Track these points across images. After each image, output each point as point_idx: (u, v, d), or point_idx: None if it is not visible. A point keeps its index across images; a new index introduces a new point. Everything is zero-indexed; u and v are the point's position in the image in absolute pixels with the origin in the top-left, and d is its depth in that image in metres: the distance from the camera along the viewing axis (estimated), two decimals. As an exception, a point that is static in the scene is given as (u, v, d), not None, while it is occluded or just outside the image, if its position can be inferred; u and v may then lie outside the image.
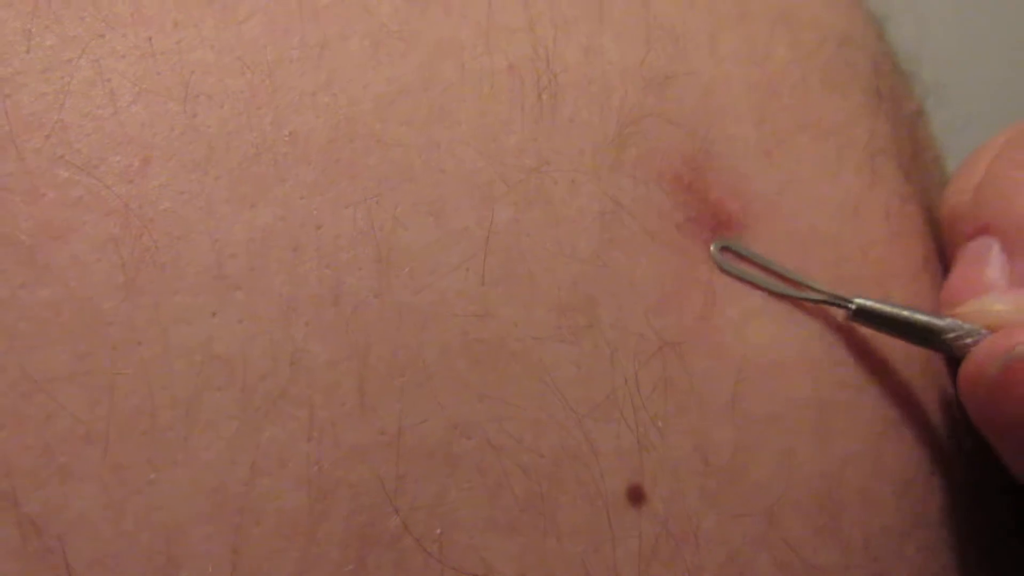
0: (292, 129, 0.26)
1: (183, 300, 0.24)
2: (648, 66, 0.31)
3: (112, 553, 0.22)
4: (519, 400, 0.26)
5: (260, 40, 0.27)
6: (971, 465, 0.32)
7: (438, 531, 0.24)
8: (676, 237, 0.30)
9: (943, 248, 0.35)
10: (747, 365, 0.29)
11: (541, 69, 0.29)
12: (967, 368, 0.29)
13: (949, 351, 0.30)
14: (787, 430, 0.28)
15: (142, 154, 0.25)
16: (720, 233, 0.30)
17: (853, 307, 0.30)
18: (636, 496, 0.27)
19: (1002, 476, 0.33)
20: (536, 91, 0.29)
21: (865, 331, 0.31)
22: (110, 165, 0.25)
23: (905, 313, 0.30)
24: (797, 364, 0.29)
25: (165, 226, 0.25)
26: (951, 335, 0.30)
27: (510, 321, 0.26)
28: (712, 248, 0.30)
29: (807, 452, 0.28)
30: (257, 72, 0.26)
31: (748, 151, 0.31)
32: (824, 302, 0.30)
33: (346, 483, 0.24)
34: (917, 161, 0.36)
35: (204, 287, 0.24)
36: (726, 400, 0.28)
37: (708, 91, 0.31)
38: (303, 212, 0.26)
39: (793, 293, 0.30)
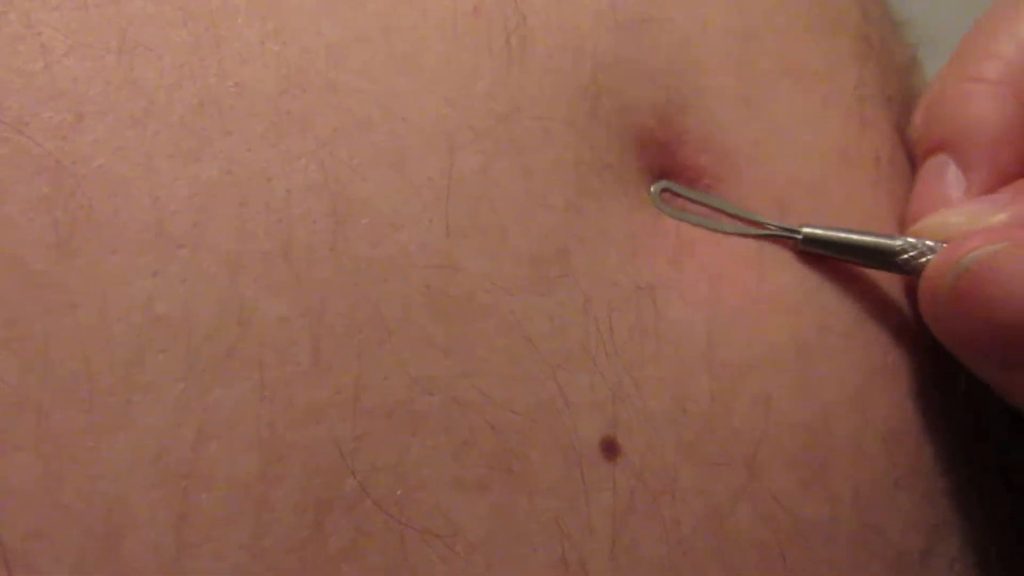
0: (238, 80, 0.24)
1: (121, 260, 0.22)
2: (621, 10, 0.28)
3: (49, 525, 0.20)
4: (488, 355, 0.24)
5: None
6: (968, 410, 0.29)
7: (399, 492, 0.22)
8: (646, 193, 0.28)
9: None
10: (721, 311, 0.26)
11: (509, 11, 0.27)
12: (923, 285, 0.27)
13: (910, 272, 0.28)
14: (765, 377, 0.26)
15: (75, 109, 0.23)
16: (694, 187, 0.28)
17: (801, 236, 0.28)
18: (610, 449, 0.24)
19: (1001, 417, 0.30)
20: (504, 35, 0.26)
21: (854, 276, 0.29)
22: (41, 121, 0.22)
23: (855, 236, 0.28)
24: (773, 309, 0.27)
25: (101, 183, 0.22)
26: (907, 255, 0.28)
27: (478, 274, 0.24)
28: (652, 190, 0.28)
29: (787, 399, 0.26)
30: (200, 22, 0.24)
31: (726, 100, 0.29)
32: (772, 235, 0.28)
33: (300, 445, 0.22)
34: (910, 109, 0.33)
35: (144, 245, 0.22)
36: (702, 347, 0.26)
37: (685, 38, 0.29)
38: (251, 165, 0.23)
39: (739, 229, 0.28)
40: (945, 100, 0.30)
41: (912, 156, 0.32)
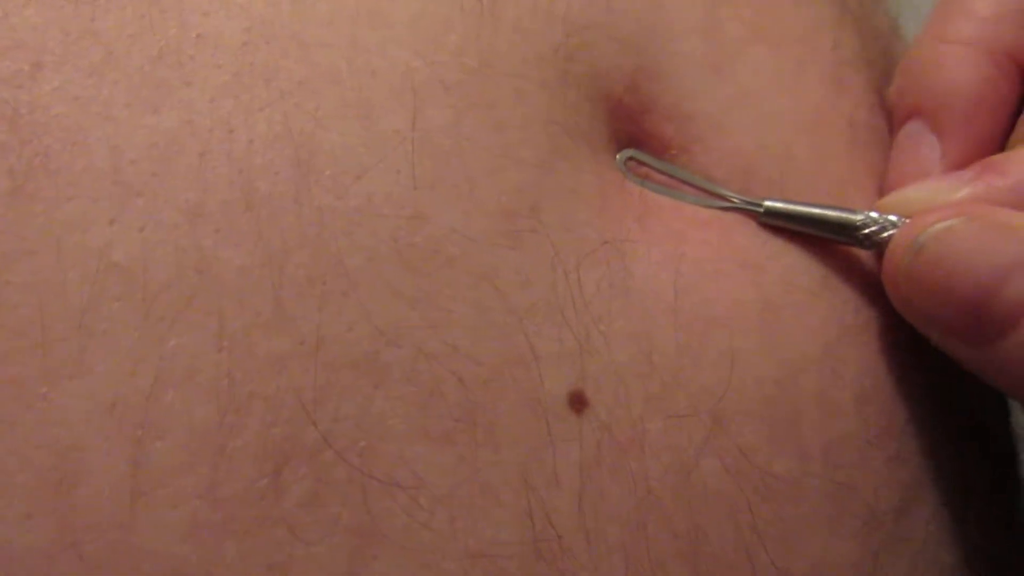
0: (200, 31, 0.23)
1: (78, 207, 0.21)
2: None
3: (1, 471, 0.20)
4: (455, 306, 0.23)
5: None
6: (943, 371, 0.28)
7: (362, 443, 0.22)
8: (613, 158, 0.27)
9: None
10: (686, 268, 0.26)
11: None
12: (885, 263, 0.27)
13: (872, 247, 0.27)
14: (731, 331, 0.25)
15: (33, 58, 0.22)
16: (661, 156, 0.28)
17: (762, 209, 0.27)
18: (578, 402, 0.24)
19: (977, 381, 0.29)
20: None
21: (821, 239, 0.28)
22: None
23: (816, 210, 0.27)
24: (738, 266, 0.26)
25: (58, 132, 0.22)
26: (869, 229, 0.27)
27: (446, 225, 0.24)
28: (617, 158, 0.27)
29: (753, 353, 0.25)
30: None
31: (695, 67, 0.28)
32: (734, 208, 0.27)
33: (260, 395, 0.21)
34: (891, 74, 0.32)
35: (101, 193, 0.21)
36: (668, 302, 0.25)
37: (656, 2, 0.28)
38: (212, 116, 0.23)
39: (702, 201, 0.27)
40: (919, 64, 0.29)
41: (891, 121, 0.31)
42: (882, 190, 0.29)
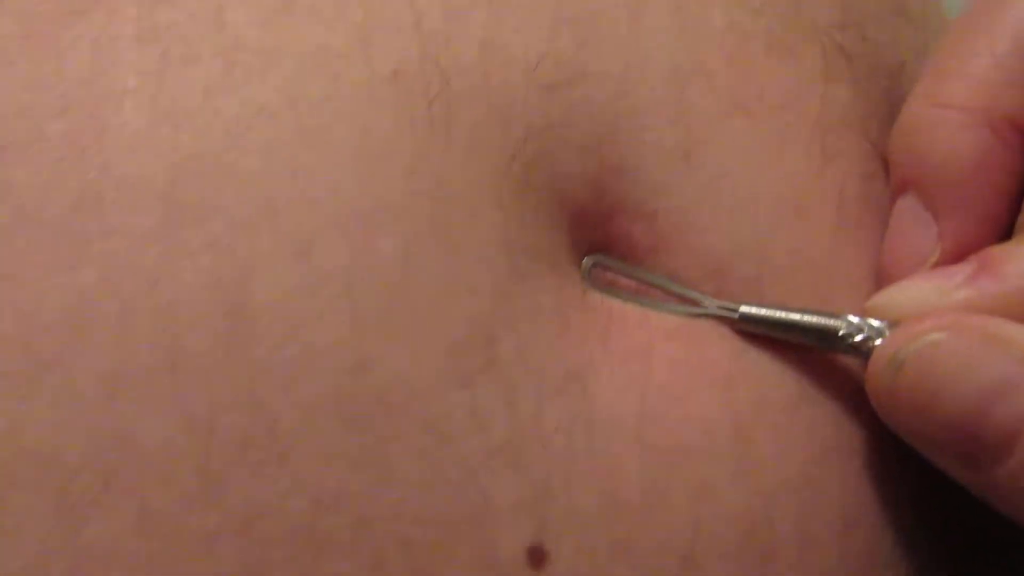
0: (123, 172, 0.22)
1: None
2: (554, 61, 0.26)
3: None
4: (400, 462, 0.22)
5: (85, 74, 0.22)
6: (935, 485, 0.26)
7: None
8: (575, 270, 0.26)
9: None
10: (652, 390, 0.24)
11: (431, 74, 0.24)
12: (867, 376, 0.25)
13: (856, 354, 0.25)
14: (701, 460, 0.24)
15: None
16: (629, 260, 0.26)
17: (737, 315, 0.25)
18: (537, 558, 0.23)
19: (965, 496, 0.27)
20: (426, 102, 0.24)
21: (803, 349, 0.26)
22: None
23: (795, 316, 0.25)
24: (709, 385, 0.25)
25: None
26: (852, 339, 0.25)
27: (391, 371, 0.22)
28: (584, 263, 0.26)
29: (725, 485, 0.24)
30: (82, 110, 0.22)
31: (663, 157, 0.26)
32: (709, 314, 0.26)
33: None
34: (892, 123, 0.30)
35: (10, 368, 0.20)
36: (633, 433, 0.24)
37: (621, 87, 0.26)
38: (134, 268, 0.21)
39: (673, 308, 0.26)
40: (911, 129, 0.27)
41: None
42: (879, 274, 0.27)
